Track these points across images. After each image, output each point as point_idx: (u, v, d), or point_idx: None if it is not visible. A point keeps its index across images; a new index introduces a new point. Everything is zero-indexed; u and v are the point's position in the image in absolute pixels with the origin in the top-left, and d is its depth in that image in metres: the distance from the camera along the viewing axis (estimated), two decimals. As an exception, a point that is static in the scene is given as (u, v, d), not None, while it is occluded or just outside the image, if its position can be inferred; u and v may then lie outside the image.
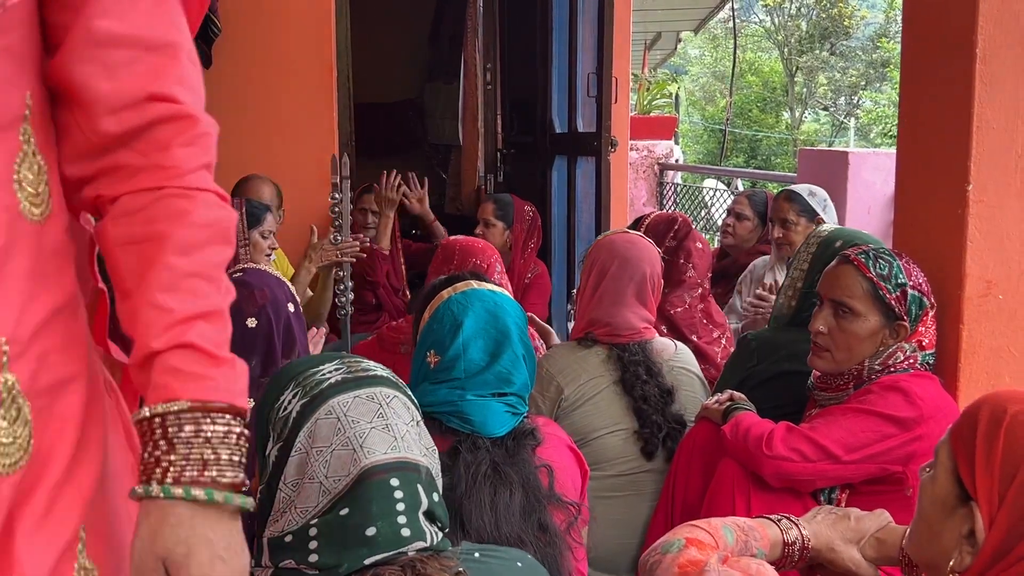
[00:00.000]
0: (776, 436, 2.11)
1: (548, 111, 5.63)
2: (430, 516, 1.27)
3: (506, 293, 1.99)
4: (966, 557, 1.22)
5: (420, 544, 1.23)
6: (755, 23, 26.23)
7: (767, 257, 3.91)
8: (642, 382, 2.52)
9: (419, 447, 1.29)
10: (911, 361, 2.15)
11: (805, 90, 24.84)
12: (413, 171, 4.96)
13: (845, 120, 23.81)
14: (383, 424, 1.26)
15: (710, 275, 3.34)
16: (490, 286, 1.95)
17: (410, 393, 1.36)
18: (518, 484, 1.77)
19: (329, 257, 3.61)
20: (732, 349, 3.19)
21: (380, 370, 1.35)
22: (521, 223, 4.40)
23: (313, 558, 1.20)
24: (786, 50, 24.46)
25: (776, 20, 24.73)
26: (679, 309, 3.15)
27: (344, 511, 1.21)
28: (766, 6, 24.26)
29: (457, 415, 1.82)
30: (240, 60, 4.25)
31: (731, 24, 14.23)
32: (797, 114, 24.95)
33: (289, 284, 2.18)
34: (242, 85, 4.27)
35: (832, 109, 25.26)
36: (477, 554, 1.32)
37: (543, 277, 4.40)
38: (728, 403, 2.31)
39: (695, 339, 3.06)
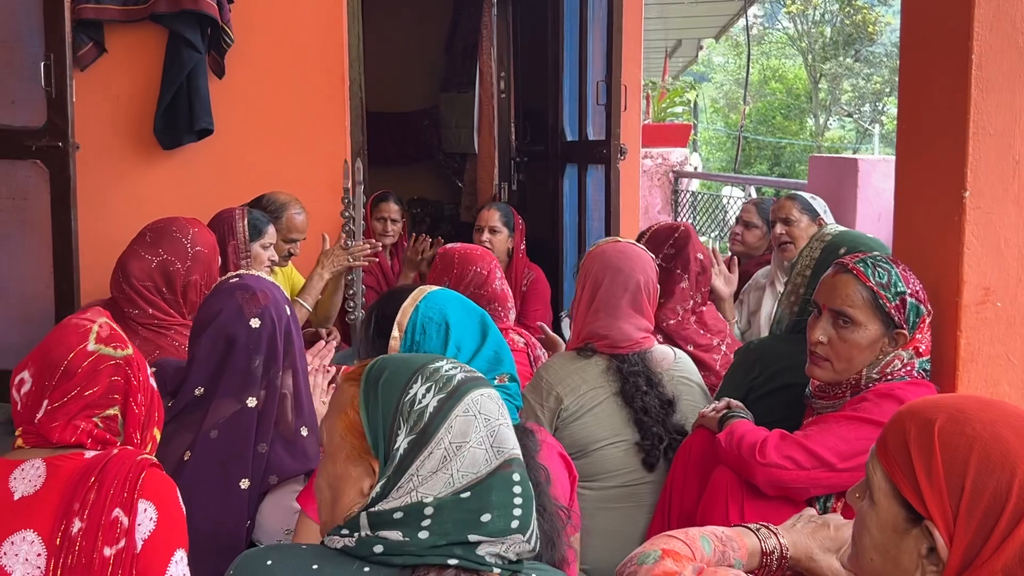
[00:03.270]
0: (769, 444, 2.10)
1: (559, 119, 5.65)
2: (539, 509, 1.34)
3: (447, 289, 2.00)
4: None
5: (519, 538, 1.29)
6: (778, 30, 26.13)
7: (768, 268, 3.90)
8: (642, 393, 2.50)
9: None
10: (908, 368, 2.13)
11: (829, 97, 24.72)
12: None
13: (870, 127, 23.65)
14: (505, 421, 1.33)
15: (708, 288, 3.32)
16: (433, 287, 1.96)
17: None
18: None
19: (341, 262, 3.63)
20: (731, 354, 3.18)
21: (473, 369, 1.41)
22: (518, 229, 4.50)
23: (423, 535, 1.25)
24: (810, 57, 24.35)
25: (800, 27, 24.64)
26: (672, 321, 3.13)
27: (466, 495, 1.27)
28: (789, 13, 24.16)
29: None
30: (252, 70, 4.30)
31: (754, 31, 14.19)
32: (821, 121, 24.83)
33: (281, 288, 2.21)
34: (254, 94, 4.31)
35: (857, 116, 25.11)
36: (534, 574, 1.35)
37: (540, 281, 4.47)
38: (725, 411, 2.30)
39: (691, 349, 3.04)
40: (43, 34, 3.49)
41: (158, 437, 1.81)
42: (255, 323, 2.07)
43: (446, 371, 1.34)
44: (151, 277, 2.71)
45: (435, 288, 1.94)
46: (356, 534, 1.28)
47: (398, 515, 1.26)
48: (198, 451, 2.02)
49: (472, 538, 1.25)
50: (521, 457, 1.33)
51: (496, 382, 1.87)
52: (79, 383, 1.69)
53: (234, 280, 2.17)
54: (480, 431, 1.29)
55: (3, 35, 3.82)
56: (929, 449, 1.18)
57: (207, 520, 1.97)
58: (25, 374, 1.71)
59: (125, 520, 1.60)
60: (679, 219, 8.14)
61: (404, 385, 1.31)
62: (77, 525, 1.59)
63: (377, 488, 1.28)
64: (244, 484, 2.00)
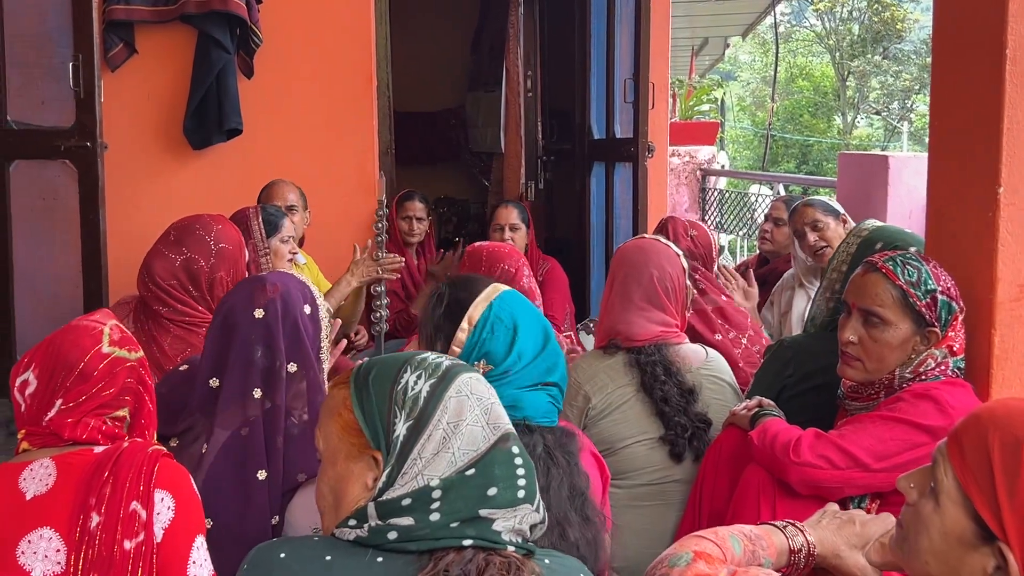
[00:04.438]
0: (804, 443, 2.08)
1: (587, 118, 5.64)
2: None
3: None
4: None
5: (528, 508, 1.33)
6: (806, 27, 25.97)
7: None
8: (661, 383, 2.48)
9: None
10: (942, 368, 2.11)
11: (857, 95, 24.54)
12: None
13: (898, 125, 23.46)
14: (495, 400, 1.39)
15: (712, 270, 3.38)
16: (506, 286, 1.97)
17: None
18: (566, 471, 1.81)
19: (370, 273, 3.69)
20: (752, 347, 3.16)
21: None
22: (531, 225, 4.52)
23: (435, 516, 1.29)
24: (837, 54, 24.19)
25: (827, 24, 24.48)
26: None
27: (470, 472, 1.31)
28: (817, 11, 24.01)
29: (507, 406, 1.84)
30: (281, 70, 4.32)
31: (781, 29, 14.13)
32: (849, 119, 24.66)
33: (315, 289, 2.20)
34: (283, 94, 4.33)
35: (885, 113, 24.92)
36: (548, 560, 1.37)
37: (555, 270, 4.47)
38: (756, 409, 2.29)
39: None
40: (71, 34, 3.52)
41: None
42: (258, 313, 2.05)
43: (432, 359, 1.39)
44: (175, 276, 2.71)
45: (506, 288, 1.95)
46: (366, 524, 1.30)
47: (407, 501, 1.29)
48: (213, 445, 2.02)
49: (483, 512, 1.29)
50: (515, 432, 1.38)
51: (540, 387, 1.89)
52: (95, 384, 1.71)
53: (256, 276, 2.20)
54: (474, 410, 1.34)
55: (33, 36, 3.86)
56: (1015, 469, 1.13)
57: (231, 514, 1.96)
58: (29, 376, 1.71)
59: (143, 513, 1.63)
60: (707, 217, 8.10)
61: (395, 376, 1.36)
62: (95, 519, 1.61)
63: (383, 478, 1.32)
64: (261, 475, 1.99)
